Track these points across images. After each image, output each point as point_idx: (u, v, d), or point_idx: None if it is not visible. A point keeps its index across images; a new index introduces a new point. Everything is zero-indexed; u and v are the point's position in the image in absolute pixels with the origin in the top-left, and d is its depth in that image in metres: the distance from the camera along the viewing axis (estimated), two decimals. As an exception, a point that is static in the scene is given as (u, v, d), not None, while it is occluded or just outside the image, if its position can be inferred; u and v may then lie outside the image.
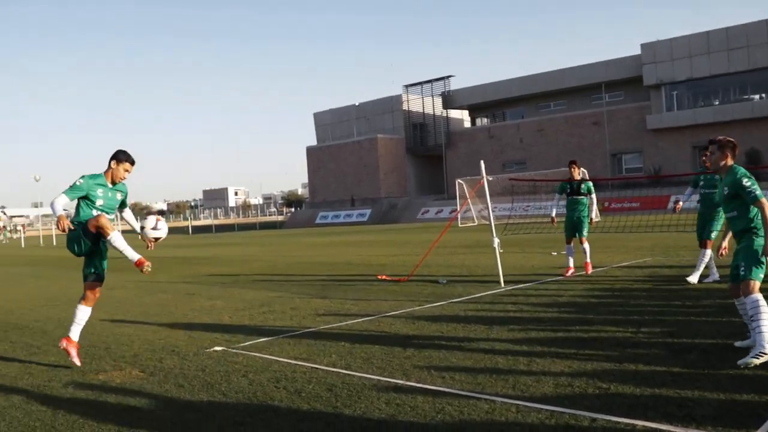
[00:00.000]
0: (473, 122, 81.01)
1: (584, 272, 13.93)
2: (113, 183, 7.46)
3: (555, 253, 19.14)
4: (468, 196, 35.67)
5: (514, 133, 69.97)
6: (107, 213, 7.37)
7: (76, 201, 7.30)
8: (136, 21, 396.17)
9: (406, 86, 77.47)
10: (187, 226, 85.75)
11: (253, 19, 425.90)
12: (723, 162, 6.82)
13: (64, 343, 7.51)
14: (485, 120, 79.85)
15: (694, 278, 11.55)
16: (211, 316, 10.84)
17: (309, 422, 5.25)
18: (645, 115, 60.66)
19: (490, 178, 14.28)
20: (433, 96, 76.54)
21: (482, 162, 14.10)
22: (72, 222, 7.17)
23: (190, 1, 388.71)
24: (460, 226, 44.36)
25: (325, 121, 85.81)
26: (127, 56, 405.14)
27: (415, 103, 77.28)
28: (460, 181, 48.56)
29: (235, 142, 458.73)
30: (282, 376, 6.65)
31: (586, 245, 14.14)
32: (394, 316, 9.90)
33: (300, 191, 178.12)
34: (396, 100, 77.88)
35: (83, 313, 7.57)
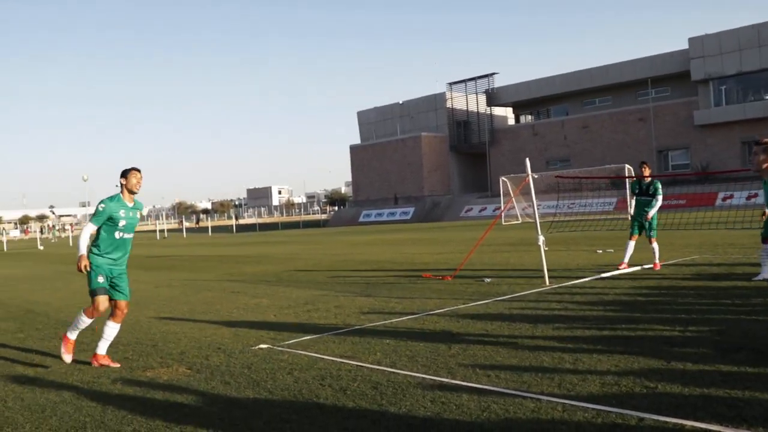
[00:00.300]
0: (517, 119, 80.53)
1: (652, 268, 14.16)
2: (132, 198, 7.72)
3: (600, 251, 18.95)
4: (512, 194, 35.44)
5: (559, 130, 69.40)
6: (128, 233, 7.68)
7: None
8: (182, 18, 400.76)
9: (450, 84, 77.43)
10: (232, 225, 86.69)
11: (297, 18, 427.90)
12: (766, 164, 6.68)
13: (95, 363, 7.73)
14: (529, 117, 79.33)
15: (766, 274, 11.45)
16: (256, 314, 10.95)
17: (354, 420, 5.27)
18: (692, 111, 59.70)
19: (535, 176, 14.19)
20: (477, 93, 76.29)
21: (527, 159, 14.02)
22: (93, 249, 7.58)
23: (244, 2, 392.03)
24: (504, 224, 44.13)
25: (369, 119, 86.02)
26: (171, 55, 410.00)
27: (458, 101, 77.08)
28: (504, 179, 48.29)
29: (279, 140, 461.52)
30: (327, 374, 6.69)
31: (655, 245, 14.30)
32: (439, 314, 9.90)
33: (343, 190, 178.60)
34: (440, 98, 77.77)
35: (112, 330, 7.78)
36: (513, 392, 5.72)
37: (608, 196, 48.84)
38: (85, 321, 7.70)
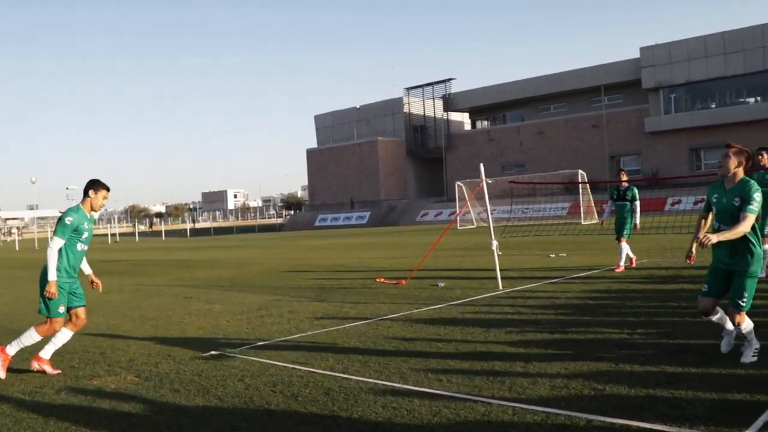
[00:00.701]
0: (473, 125, 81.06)
1: (615, 270, 14.62)
2: (91, 212, 7.56)
3: (553, 255, 19.16)
4: (467, 199, 35.69)
5: (514, 135, 70.04)
6: (87, 244, 7.55)
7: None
8: (136, 21, 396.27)
9: (407, 89, 77.64)
10: (186, 229, 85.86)
11: (254, 20, 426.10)
12: (736, 171, 6.36)
13: (35, 365, 7.52)
14: (485, 123, 79.91)
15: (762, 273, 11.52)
16: (208, 320, 10.85)
17: (305, 426, 5.26)
18: (643, 118, 60.80)
19: (489, 181, 14.28)
20: (434, 99, 76.67)
21: (482, 165, 14.11)
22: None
23: (192, 2, 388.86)
24: (459, 228, 44.37)
25: (325, 123, 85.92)
26: (126, 57, 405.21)
27: (415, 106, 77.35)
28: (460, 184, 48.58)
29: (235, 144, 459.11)
30: (279, 380, 6.66)
31: (624, 244, 14.89)
32: (392, 319, 9.91)
33: (300, 194, 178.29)
34: (397, 103, 77.98)
35: (65, 336, 7.60)
36: (464, 396, 5.75)
37: (562, 201, 49.41)
38: (36, 338, 7.49)
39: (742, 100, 57.59)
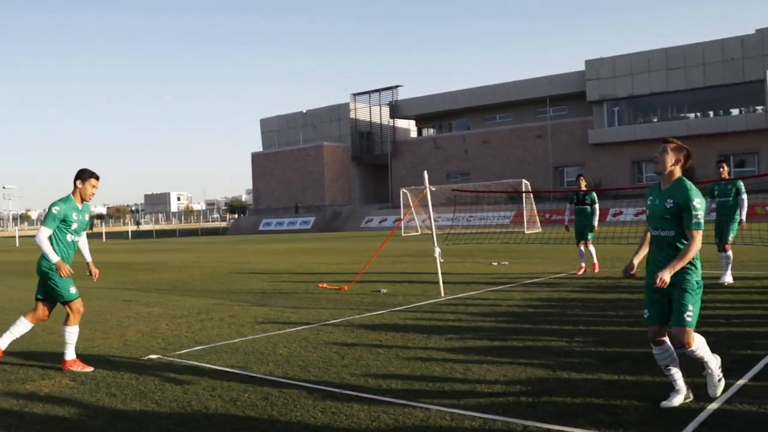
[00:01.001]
0: (420, 132, 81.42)
1: (592, 271, 15.78)
2: (82, 202, 7.57)
3: (495, 263, 19.35)
4: (412, 206, 35.81)
5: (460, 144, 70.56)
6: (78, 235, 7.58)
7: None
8: (80, 17, 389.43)
9: (354, 95, 77.65)
10: (127, 231, 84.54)
11: (200, 23, 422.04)
12: (673, 168, 5.53)
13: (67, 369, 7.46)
14: (431, 130, 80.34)
15: (728, 278, 12.68)
16: (148, 324, 10.69)
17: (243, 431, 5.22)
18: (587, 130, 61.81)
19: (433, 188, 14.39)
20: (380, 105, 76.82)
21: (425, 172, 14.19)
22: (46, 258, 7.33)
23: (142, 4, 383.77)
24: (403, 235, 44.50)
25: (271, 127, 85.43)
26: (70, 56, 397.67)
27: (362, 112, 77.43)
28: (405, 191, 48.73)
29: (179, 146, 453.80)
30: (218, 385, 6.60)
31: (592, 248, 15.98)
32: (334, 325, 9.90)
33: (244, 197, 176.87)
34: (343, 109, 77.95)
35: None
36: (403, 402, 5.77)
37: (505, 209, 49.90)
38: (27, 326, 7.60)
39: (682, 115, 59.06)
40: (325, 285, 15.08)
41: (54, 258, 7.22)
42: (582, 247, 15.98)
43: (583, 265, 15.84)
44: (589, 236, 15.91)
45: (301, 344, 8.50)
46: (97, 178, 7.57)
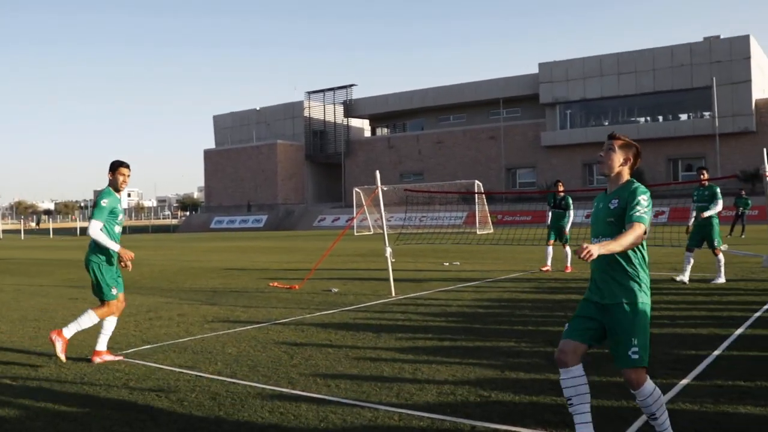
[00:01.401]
0: (373, 132, 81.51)
1: (565, 271, 16.39)
2: (118, 193, 7.73)
3: (447, 264, 19.43)
4: (364, 205, 35.84)
5: (413, 144, 70.78)
6: (121, 227, 7.79)
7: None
8: (30, 20, 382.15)
9: (309, 93, 77.39)
10: (76, 227, 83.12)
11: (153, 19, 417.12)
12: (621, 169, 4.68)
13: (97, 359, 7.59)
14: (385, 130, 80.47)
15: (722, 279, 13.30)
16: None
17: None
18: (540, 132, 62.54)
19: (385, 188, 14.41)
20: (334, 104, 76.71)
21: (377, 172, 14.20)
22: (95, 253, 7.52)
23: (92, 3, 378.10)
24: (356, 234, 44.49)
25: (225, 124, 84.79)
26: (21, 51, 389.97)
27: (316, 111, 77.23)
28: (358, 190, 48.73)
29: (129, 141, 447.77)
30: (164, 385, 6.51)
31: (568, 249, 16.76)
32: (283, 324, 9.85)
33: (196, 195, 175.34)
34: (297, 107, 77.67)
35: (112, 324, 7.75)
36: (352, 402, 5.76)
37: (458, 210, 50.18)
38: (94, 320, 7.61)
39: (633, 119, 60.07)
40: (276, 284, 15.00)
41: (116, 247, 7.39)
42: (550, 248, 16.82)
43: (549, 264, 16.61)
44: (566, 237, 16.73)
45: (251, 344, 8.44)
46: (126, 166, 7.68)
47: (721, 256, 13.35)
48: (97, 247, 7.45)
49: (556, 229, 16.78)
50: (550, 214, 17.11)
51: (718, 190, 13.35)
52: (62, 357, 7.35)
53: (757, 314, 9.47)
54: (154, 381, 6.67)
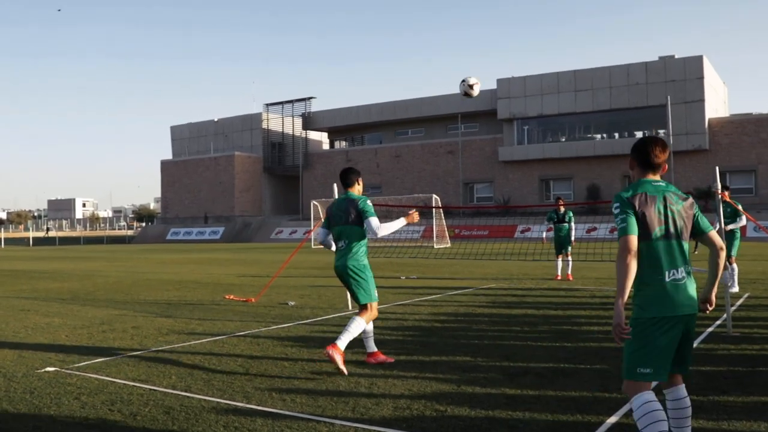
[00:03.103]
0: (332, 145, 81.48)
1: (567, 279, 17.79)
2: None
3: (404, 278, 19.46)
4: (322, 218, 35.74)
5: (372, 157, 70.88)
6: None
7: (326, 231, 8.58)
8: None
9: (267, 105, 77.14)
10: (28, 238, 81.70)
11: (110, 29, 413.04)
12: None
13: (373, 360, 7.85)
14: (343, 143, 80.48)
15: (735, 288, 14.07)
16: (46, 335, 10.32)
17: (142, 446, 5.09)
18: (497, 147, 63.00)
19: (343, 201, 14.36)
20: (293, 116, 76.54)
21: (335, 185, 14.17)
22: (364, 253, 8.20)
23: (47, 13, 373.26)
24: (313, 247, 44.31)
25: (182, 135, 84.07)
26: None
27: (274, 123, 76.98)
28: (315, 203, 48.60)
29: (85, 150, 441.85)
30: (117, 398, 6.42)
31: (569, 259, 18.38)
32: (239, 337, 9.77)
33: (152, 206, 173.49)
34: (256, 119, 77.36)
35: (361, 326, 7.70)
36: (308, 416, 5.73)
37: (416, 224, 50.21)
38: (363, 326, 7.67)
39: (589, 135, 60.85)
40: (232, 297, 14.88)
41: (399, 221, 8.27)
42: (560, 260, 18.40)
43: (559, 274, 18.12)
44: (569, 249, 18.36)
45: (206, 357, 8.36)
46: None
47: (735, 266, 14.23)
48: (362, 248, 8.04)
49: (562, 242, 18.41)
50: (552, 229, 18.75)
51: (740, 206, 14.15)
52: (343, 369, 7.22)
53: (709, 330, 9.62)
54: (106, 395, 6.56)
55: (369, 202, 7.95)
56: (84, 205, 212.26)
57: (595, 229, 44.52)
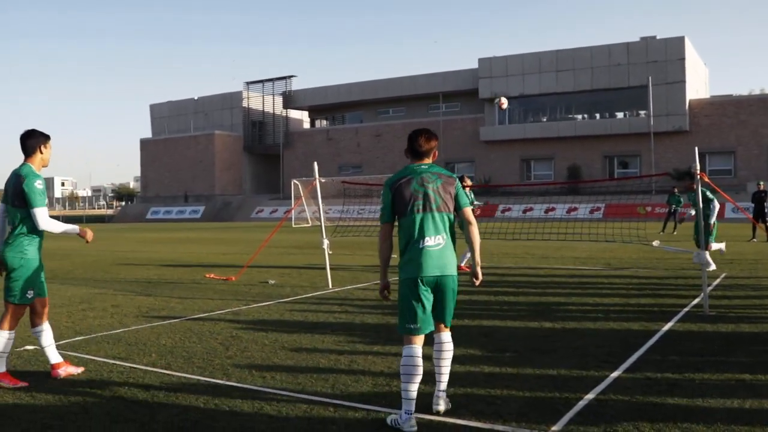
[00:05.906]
0: (312, 124, 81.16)
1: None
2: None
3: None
4: (302, 197, 35.70)
5: (352, 136, 70.71)
6: None
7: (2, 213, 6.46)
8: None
9: (247, 83, 76.62)
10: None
11: (90, 7, 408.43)
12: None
13: (61, 374, 6.46)
14: (324, 122, 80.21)
15: (713, 267, 13.65)
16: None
17: (122, 424, 5.10)
18: (479, 127, 62.98)
19: (323, 180, 14.37)
20: (273, 95, 76.09)
21: (315, 164, 14.17)
22: (24, 244, 6.30)
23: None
24: (294, 226, 44.31)
25: (162, 113, 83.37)
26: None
27: (255, 101, 76.54)
28: (296, 182, 48.53)
29: (63, 129, 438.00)
30: (97, 376, 6.43)
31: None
32: (220, 315, 9.79)
33: (132, 185, 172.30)
34: (236, 97, 76.85)
35: (50, 332, 6.65)
36: (287, 393, 5.77)
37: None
38: (4, 337, 6.35)
39: (570, 116, 60.86)
40: (212, 275, 14.87)
41: (73, 228, 6.50)
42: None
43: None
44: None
45: (186, 335, 8.37)
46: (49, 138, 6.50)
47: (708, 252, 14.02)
48: (24, 235, 6.25)
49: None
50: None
51: (717, 188, 14.02)
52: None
53: (686, 309, 9.73)
54: (86, 373, 6.57)
55: (38, 183, 6.14)
56: (63, 184, 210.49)
57: (576, 209, 44.83)
